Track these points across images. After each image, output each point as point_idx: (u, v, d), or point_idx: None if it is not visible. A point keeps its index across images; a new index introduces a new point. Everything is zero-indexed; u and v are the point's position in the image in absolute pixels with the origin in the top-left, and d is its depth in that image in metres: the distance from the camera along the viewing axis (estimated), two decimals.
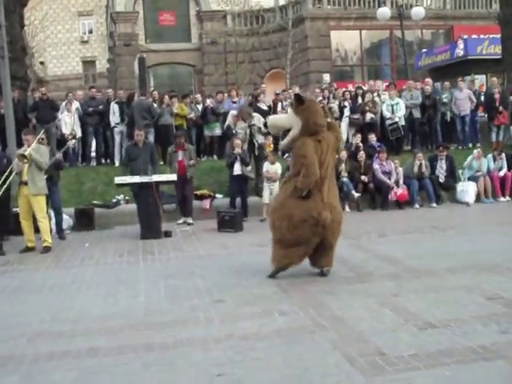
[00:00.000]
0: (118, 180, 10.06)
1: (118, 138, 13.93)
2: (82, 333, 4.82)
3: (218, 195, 12.04)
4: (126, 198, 11.68)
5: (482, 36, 22.33)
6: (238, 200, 11.40)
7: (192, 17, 31.57)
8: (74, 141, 12.62)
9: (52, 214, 9.98)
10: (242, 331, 4.63)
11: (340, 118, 14.58)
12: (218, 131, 14.42)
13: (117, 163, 13.62)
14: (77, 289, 6.41)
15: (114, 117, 13.86)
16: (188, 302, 5.56)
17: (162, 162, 12.70)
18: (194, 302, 5.55)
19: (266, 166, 11.44)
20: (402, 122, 14.26)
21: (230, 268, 7.07)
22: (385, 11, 22.12)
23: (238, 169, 11.35)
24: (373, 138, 13.37)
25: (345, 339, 4.35)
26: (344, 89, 16.95)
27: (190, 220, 10.96)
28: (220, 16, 30.49)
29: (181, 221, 10.94)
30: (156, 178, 9.91)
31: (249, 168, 11.50)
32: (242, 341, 4.42)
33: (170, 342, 4.46)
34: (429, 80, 16.48)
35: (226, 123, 12.89)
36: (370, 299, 5.37)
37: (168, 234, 9.80)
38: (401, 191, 12.08)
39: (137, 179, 9.86)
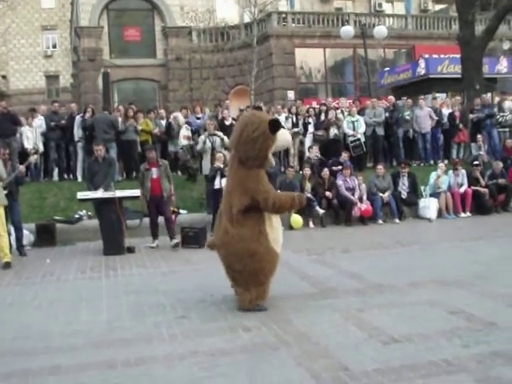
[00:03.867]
0: (81, 195, 9.92)
1: (81, 153, 13.78)
2: (43, 351, 4.71)
3: (181, 211, 11.95)
4: (89, 213, 11.50)
5: (442, 55, 22.92)
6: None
7: (157, 33, 31.58)
8: (35, 156, 12.43)
9: (12, 229, 9.77)
10: (206, 347, 4.58)
11: (304, 135, 14.73)
12: None
13: (79, 178, 13.48)
14: (37, 306, 6.28)
15: (78, 131, 13.71)
16: (151, 319, 5.49)
17: (120, 178, 12.72)
18: (158, 319, 5.48)
19: (224, 180, 11.29)
20: (363, 139, 14.46)
21: (194, 284, 7.01)
22: (348, 30, 22.49)
23: (218, 183, 11.29)
24: (345, 157, 13.39)
25: (309, 355, 4.33)
26: (308, 105, 17.09)
27: (176, 240, 10.05)
28: (185, 32, 30.57)
29: (154, 244, 10.13)
30: (119, 193, 9.80)
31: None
32: (206, 357, 4.37)
33: (133, 360, 4.39)
34: (391, 98, 16.77)
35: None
36: (335, 315, 5.38)
37: (131, 250, 9.68)
38: (365, 207, 12.19)
39: (99, 194, 9.75)
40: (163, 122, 14.65)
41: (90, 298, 6.55)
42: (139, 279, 7.61)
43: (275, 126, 5.48)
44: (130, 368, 4.24)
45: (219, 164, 11.38)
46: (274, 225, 5.72)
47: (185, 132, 13.38)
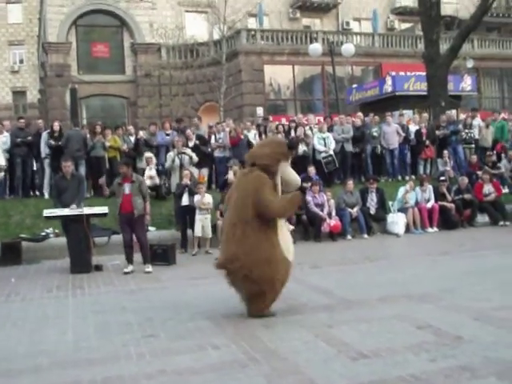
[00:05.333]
0: (47, 212, 9.77)
1: (48, 170, 13.61)
2: (5, 373, 4.58)
3: (150, 228, 11.85)
4: (56, 231, 11.33)
5: (408, 73, 23.33)
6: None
7: (126, 49, 31.51)
8: (1, 173, 12.24)
9: None
10: (174, 366, 4.52)
11: None
12: None
13: (46, 195, 13.30)
14: (1, 326, 6.12)
15: (46, 148, 13.55)
16: (119, 338, 5.41)
17: (89, 195, 12.62)
18: (125, 338, 5.40)
19: (197, 197, 11.22)
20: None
21: (163, 302, 6.95)
22: (316, 47, 22.71)
23: (186, 200, 11.23)
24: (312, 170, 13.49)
25: (278, 372, 4.31)
26: (277, 122, 17.18)
27: (149, 268, 9.32)
28: (154, 49, 30.56)
29: (128, 269, 9.23)
30: (87, 210, 9.68)
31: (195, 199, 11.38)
32: (174, 376, 4.32)
33: (100, 380, 4.30)
34: (360, 114, 16.98)
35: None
36: (304, 331, 5.37)
37: (99, 268, 9.55)
38: (334, 222, 12.25)
39: (66, 212, 9.60)
40: (132, 139, 14.56)
41: (56, 317, 6.42)
42: (107, 298, 7.50)
43: (293, 143, 6.38)
44: None
45: (186, 181, 11.35)
46: (285, 234, 5.94)
47: (148, 172, 13.15)
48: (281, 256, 5.75)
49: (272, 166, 5.86)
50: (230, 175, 10.40)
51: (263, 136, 14.97)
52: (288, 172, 6.06)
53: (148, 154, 13.52)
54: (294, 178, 6.19)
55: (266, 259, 5.63)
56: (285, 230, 6.06)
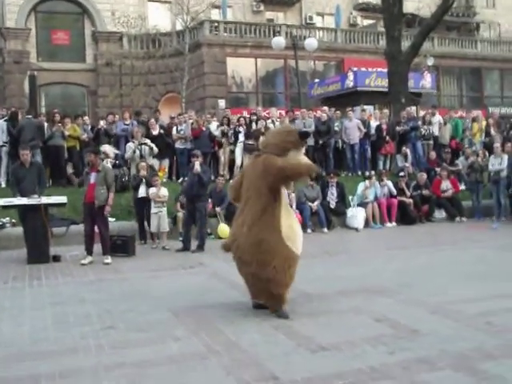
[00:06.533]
0: (4, 201, 9.56)
1: (5, 158, 13.30)
2: None
3: (109, 219, 11.71)
4: (13, 220, 11.09)
5: (370, 69, 23.54)
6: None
7: (87, 37, 30.96)
8: None
9: None
10: (134, 358, 4.49)
11: (235, 144, 14.77)
12: None
13: (3, 184, 13.01)
14: None
15: (3, 135, 13.23)
16: (77, 330, 5.33)
17: (47, 184, 12.33)
18: (84, 330, 5.33)
19: (152, 190, 11.02)
20: None
21: (123, 293, 6.89)
22: (279, 41, 22.66)
23: (142, 191, 11.11)
24: None
25: (238, 364, 4.32)
26: (239, 115, 17.15)
27: (108, 259, 9.24)
28: (116, 38, 30.11)
29: (86, 261, 9.11)
30: (45, 199, 9.50)
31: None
32: (134, 368, 4.28)
33: (58, 372, 4.24)
34: (325, 108, 17.09)
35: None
36: (265, 323, 5.39)
37: (57, 259, 9.40)
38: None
39: (24, 201, 9.40)
40: (88, 129, 14.36)
41: (13, 308, 6.30)
42: (65, 289, 7.38)
43: (304, 134, 6.14)
44: (54, 382, 4.10)
45: (143, 173, 11.24)
46: (291, 225, 5.91)
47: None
48: (277, 240, 5.66)
49: (279, 155, 5.72)
50: (197, 165, 10.33)
51: (226, 127, 14.93)
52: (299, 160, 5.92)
53: (103, 148, 13.08)
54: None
55: (258, 241, 5.57)
56: (291, 219, 6.01)
